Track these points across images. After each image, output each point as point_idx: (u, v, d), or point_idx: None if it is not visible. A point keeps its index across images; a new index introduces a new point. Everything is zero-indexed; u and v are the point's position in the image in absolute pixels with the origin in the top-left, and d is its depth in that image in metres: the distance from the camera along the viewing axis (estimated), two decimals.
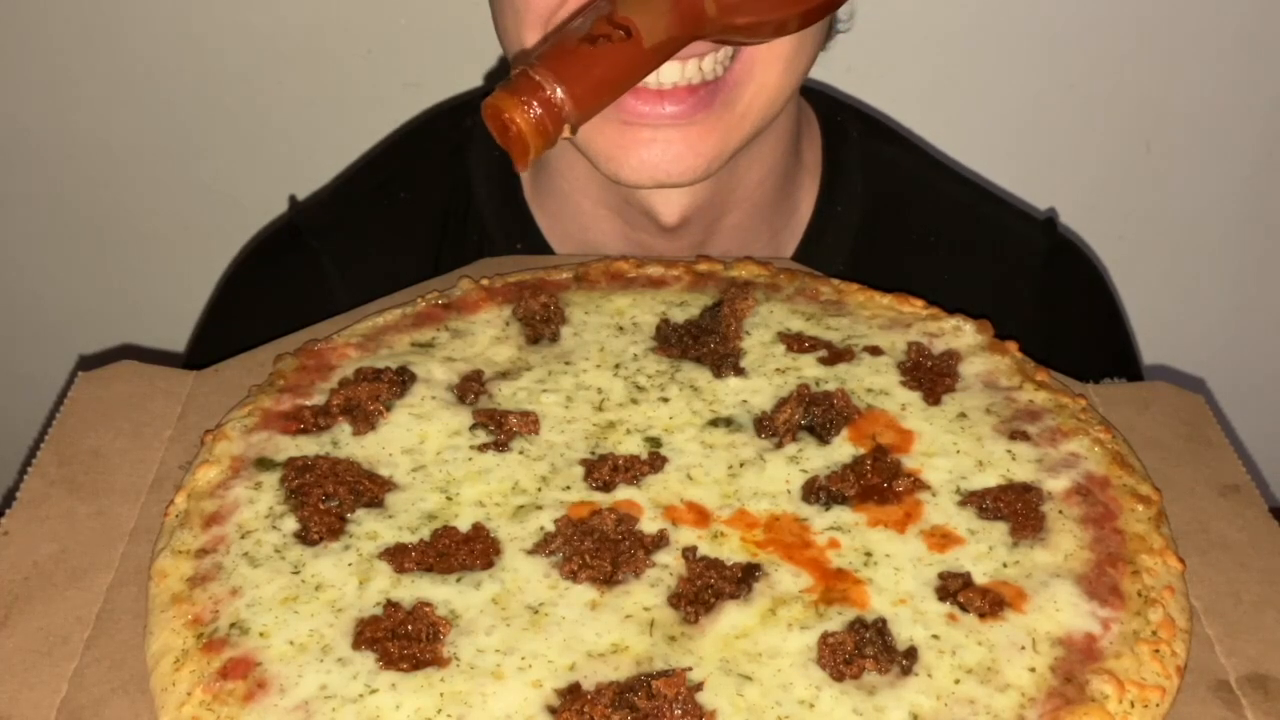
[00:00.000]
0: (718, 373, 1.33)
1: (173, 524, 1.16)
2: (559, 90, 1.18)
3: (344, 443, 1.24)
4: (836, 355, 1.35)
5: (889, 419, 1.27)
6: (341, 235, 1.77)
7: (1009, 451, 1.23)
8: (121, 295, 2.49)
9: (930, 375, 1.33)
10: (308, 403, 1.28)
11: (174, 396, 1.33)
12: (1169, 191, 2.32)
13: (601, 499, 1.18)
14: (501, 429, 1.25)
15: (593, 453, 1.23)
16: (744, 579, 1.09)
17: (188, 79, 2.23)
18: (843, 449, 1.24)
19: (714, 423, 1.27)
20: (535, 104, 1.18)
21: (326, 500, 1.16)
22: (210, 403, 1.32)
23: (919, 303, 1.43)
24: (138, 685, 1.03)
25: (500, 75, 1.81)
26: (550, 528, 1.14)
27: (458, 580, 1.09)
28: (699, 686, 0.99)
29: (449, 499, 1.18)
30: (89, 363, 1.42)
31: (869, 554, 1.12)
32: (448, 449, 1.23)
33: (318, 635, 1.04)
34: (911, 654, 1.03)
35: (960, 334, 1.38)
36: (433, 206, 1.77)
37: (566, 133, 1.21)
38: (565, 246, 1.70)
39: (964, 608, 1.07)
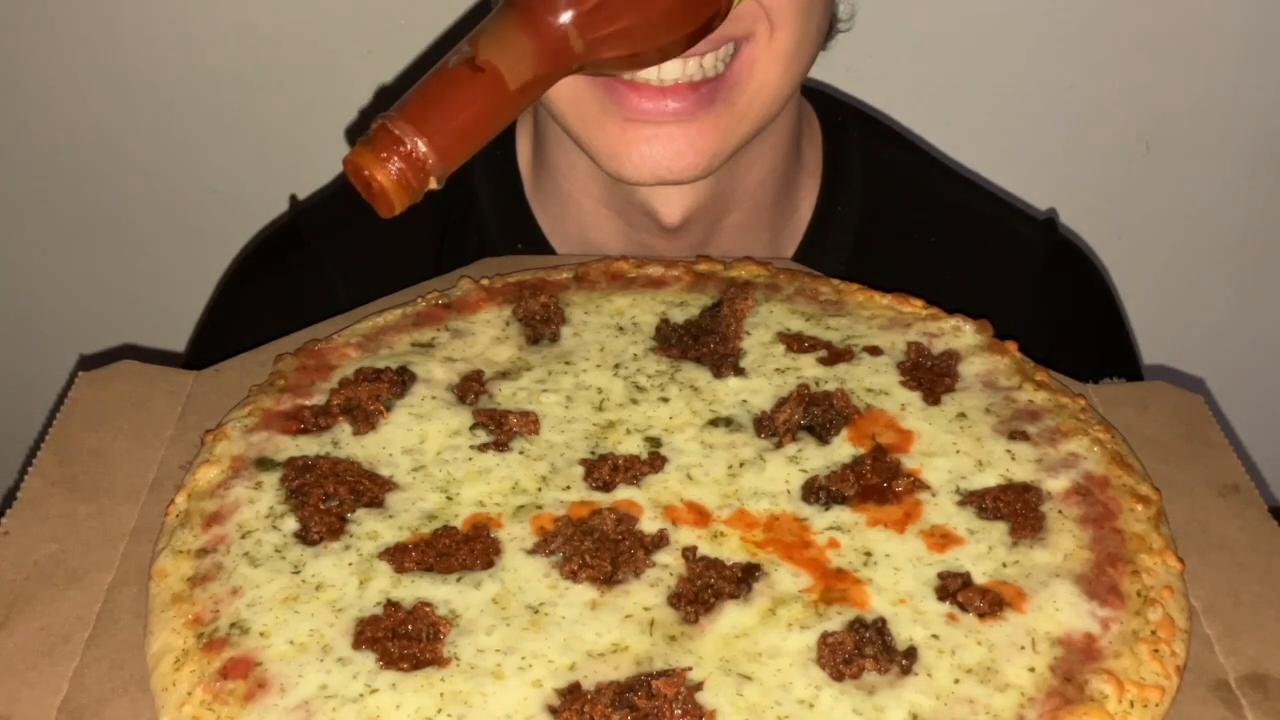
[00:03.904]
0: (718, 373, 1.33)
1: (173, 524, 1.16)
2: (420, 143, 1.10)
3: (344, 443, 1.24)
4: (836, 355, 1.35)
5: (889, 419, 1.27)
6: (342, 235, 1.77)
7: (1008, 451, 1.23)
8: (121, 295, 2.49)
9: (930, 375, 1.32)
10: (308, 403, 1.28)
11: (174, 396, 1.33)
12: (1169, 191, 2.32)
13: (601, 499, 1.18)
14: (501, 429, 1.25)
15: (593, 453, 1.23)
16: (744, 579, 1.09)
17: (188, 79, 2.23)
18: (842, 449, 1.24)
19: (714, 423, 1.27)
20: (396, 159, 1.09)
21: (327, 500, 1.16)
22: (210, 403, 1.32)
23: (919, 303, 1.43)
24: (138, 685, 1.03)
25: None
26: (549, 527, 1.14)
27: (458, 580, 1.09)
28: (699, 686, 0.99)
29: (449, 499, 1.18)
30: (89, 363, 1.42)
31: (869, 554, 1.12)
32: (448, 449, 1.23)
33: (318, 635, 1.04)
34: (911, 654, 1.03)
35: (960, 334, 1.38)
36: (433, 206, 1.76)
37: (433, 184, 1.13)
38: (566, 246, 1.70)
39: (964, 607, 1.07)
